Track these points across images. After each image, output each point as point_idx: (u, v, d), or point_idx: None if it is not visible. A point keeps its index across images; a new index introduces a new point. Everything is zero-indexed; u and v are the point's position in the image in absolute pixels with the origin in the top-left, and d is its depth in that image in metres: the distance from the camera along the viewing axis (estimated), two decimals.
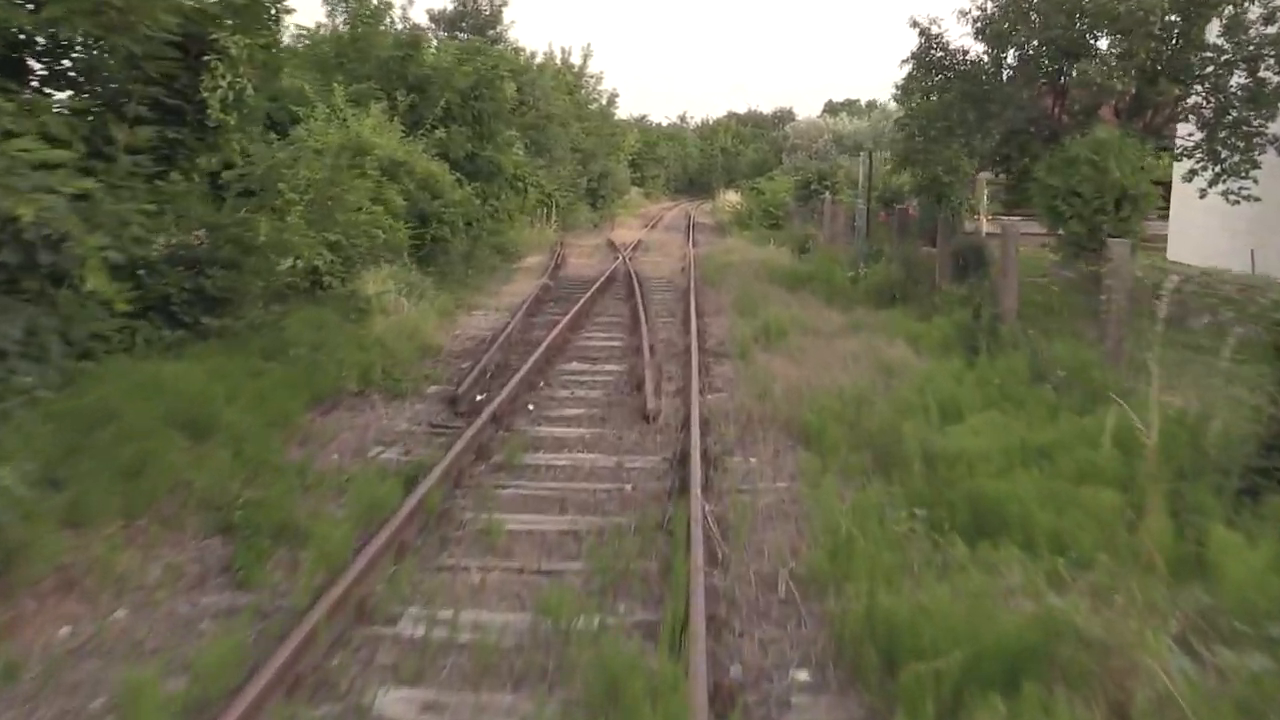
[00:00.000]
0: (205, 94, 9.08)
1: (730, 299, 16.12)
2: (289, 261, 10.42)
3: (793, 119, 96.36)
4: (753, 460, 7.56)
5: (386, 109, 18.08)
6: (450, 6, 34.50)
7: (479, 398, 9.70)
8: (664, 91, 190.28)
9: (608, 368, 11.23)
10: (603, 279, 18.86)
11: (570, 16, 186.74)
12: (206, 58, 9.13)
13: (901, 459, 6.71)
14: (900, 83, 15.23)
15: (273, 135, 17.08)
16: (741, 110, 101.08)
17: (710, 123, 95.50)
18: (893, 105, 72.15)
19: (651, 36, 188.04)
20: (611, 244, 28.11)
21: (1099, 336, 10.47)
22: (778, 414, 8.56)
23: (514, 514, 6.44)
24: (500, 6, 34.26)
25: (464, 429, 8.18)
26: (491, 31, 34.50)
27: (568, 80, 49.52)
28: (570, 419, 8.96)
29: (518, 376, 9.97)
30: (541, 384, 10.38)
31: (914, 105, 14.26)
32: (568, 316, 13.98)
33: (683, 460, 7.47)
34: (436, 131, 18.75)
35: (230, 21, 9.17)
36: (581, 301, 15.53)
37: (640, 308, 14.97)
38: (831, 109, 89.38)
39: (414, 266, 15.97)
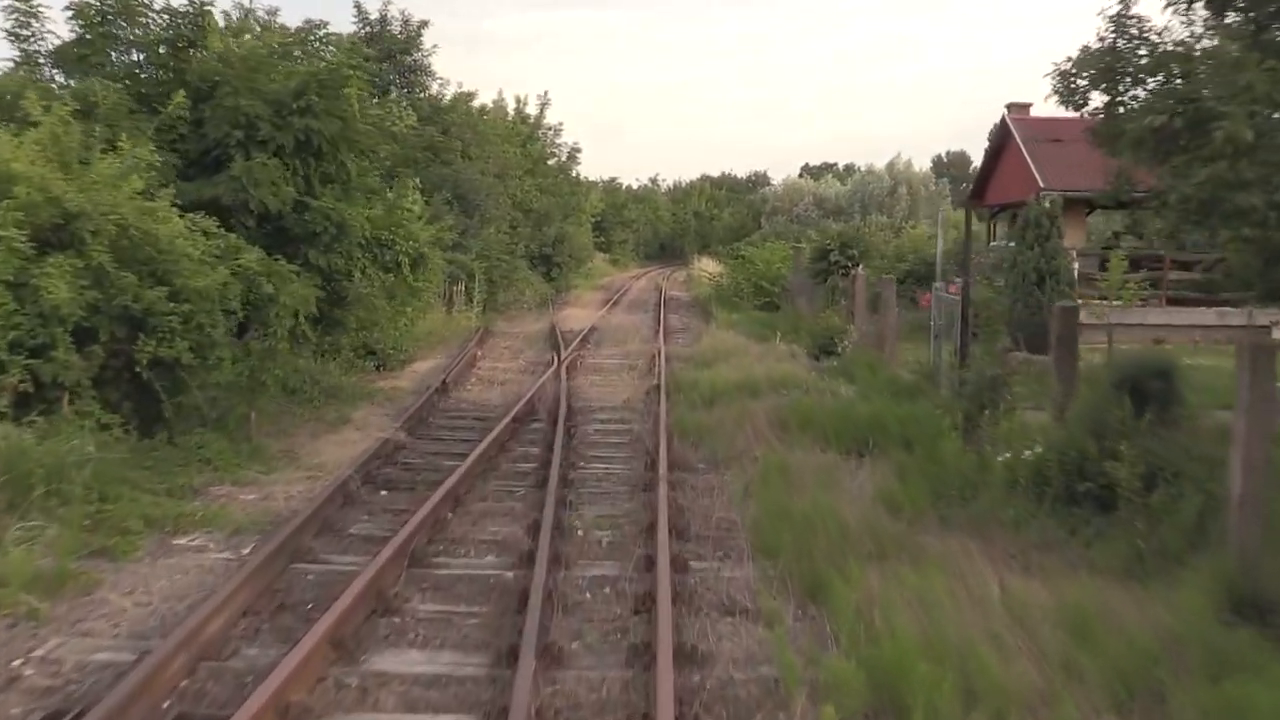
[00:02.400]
0: None
1: (742, 489, 7.80)
2: None
3: (768, 183, 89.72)
4: None
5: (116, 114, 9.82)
6: (358, 30, 26.52)
7: None
8: (635, 155, 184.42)
9: None
10: (508, 420, 10.48)
11: (538, 80, 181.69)
12: None
13: None
14: (1090, 54, 7.13)
15: None
16: (715, 173, 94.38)
17: (683, 185, 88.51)
18: (880, 166, 64.47)
19: (622, 99, 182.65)
20: (553, 334, 19.79)
21: None
22: None
23: None
24: (418, 28, 26.36)
25: None
26: (409, 58, 26.62)
27: (520, 131, 41.82)
28: None
29: None
30: None
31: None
32: (375, 564, 5.60)
33: None
34: (216, 164, 10.49)
35: None
36: (437, 496, 7.16)
37: (551, 521, 6.61)
38: (810, 173, 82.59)
39: (96, 423, 7.59)
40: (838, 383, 13.45)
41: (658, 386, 12.69)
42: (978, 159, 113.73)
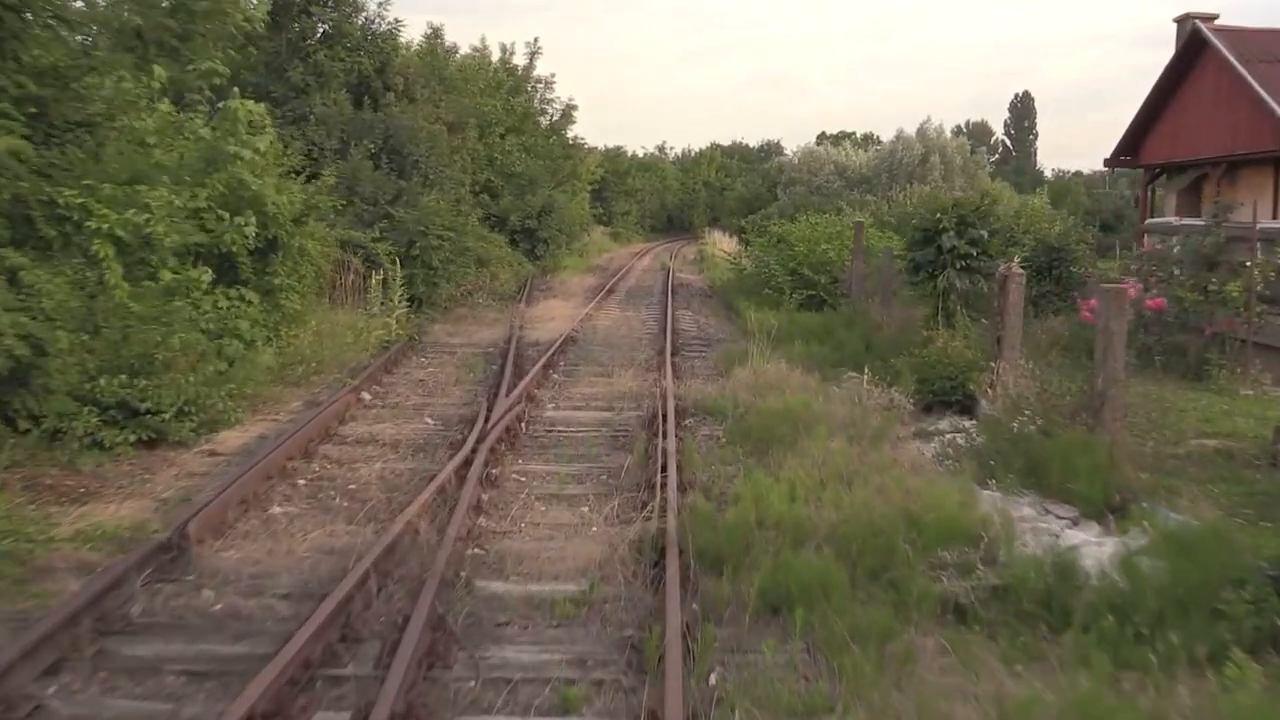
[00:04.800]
0: None
1: None
2: None
3: (781, 152, 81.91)
4: None
5: None
6: None
7: None
8: (642, 125, 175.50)
9: None
10: None
11: (548, 49, 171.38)
12: None
13: None
14: None
15: None
16: (726, 142, 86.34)
17: (692, 153, 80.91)
18: (910, 132, 56.95)
19: (630, 68, 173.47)
20: (506, 354, 12.67)
21: None
22: None
23: None
24: None
25: None
26: None
27: (503, 81, 34.44)
28: None
29: None
30: None
31: None
32: None
33: None
34: None
35: None
36: None
37: None
38: (829, 140, 74.64)
39: None
40: (1026, 503, 6.47)
41: (662, 533, 5.57)
42: (999, 130, 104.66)
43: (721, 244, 39.47)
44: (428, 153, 17.28)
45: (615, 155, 60.51)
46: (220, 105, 9.35)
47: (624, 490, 6.88)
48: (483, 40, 48.59)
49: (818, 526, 5.49)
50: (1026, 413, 7.39)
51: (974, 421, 9.18)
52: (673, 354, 12.92)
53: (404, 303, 14.27)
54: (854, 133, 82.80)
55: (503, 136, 31.08)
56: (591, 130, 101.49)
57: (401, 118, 17.39)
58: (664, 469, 7.02)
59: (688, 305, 20.28)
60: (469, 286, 20.30)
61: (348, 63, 18.87)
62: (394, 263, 14.28)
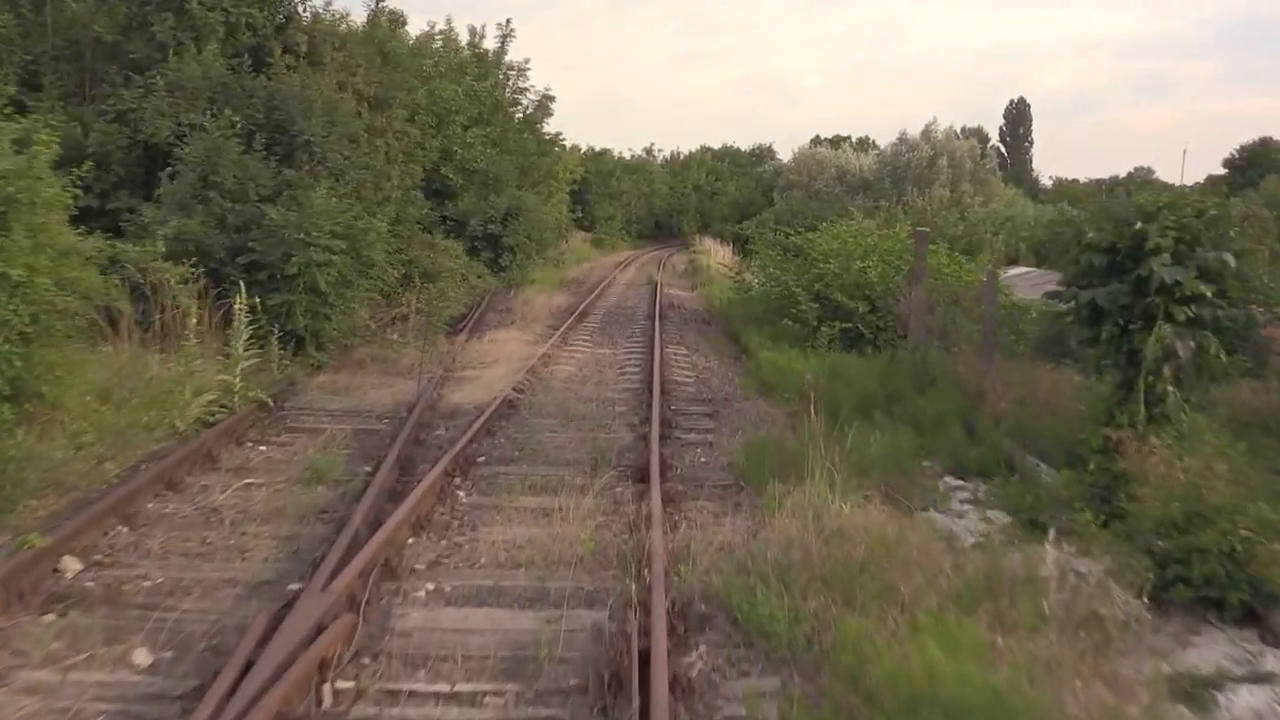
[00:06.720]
0: None
1: None
2: None
3: (773, 156, 77.14)
4: None
5: None
6: None
7: None
8: (630, 130, 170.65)
9: None
10: None
11: (537, 52, 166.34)
12: None
13: None
14: None
15: None
16: (716, 145, 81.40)
17: (681, 156, 76.04)
18: (914, 133, 51.90)
19: (619, 74, 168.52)
20: (395, 439, 7.79)
21: None
22: None
23: None
24: None
25: None
26: None
27: (466, 65, 29.47)
28: None
29: None
30: None
31: None
32: None
33: None
34: None
35: None
36: None
37: None
38: (829, 143, 69.85)
39: None
40: None
41: None
42: (993, 136, 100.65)
43: (718, 255, 34.67)
44: (326, 132, 12.32)
45: (600, 156, 55.52)
46: None
47: None
48: (448, 21, 42.88)
49: None
50: None
51: None
52: (662, 439, 8.03)
53: (256, 348, 9.27)
54: (849, 136, 78.14)
55: (465, 128, 26.18)
56: (576, 133, 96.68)
57: (291, 85, 12.43)
58: None
59: (681, 338, 15.38)
60: (402, 310, 15.40)
61: (233, 15, 13.92)
62: (196, 290, 9.33)
